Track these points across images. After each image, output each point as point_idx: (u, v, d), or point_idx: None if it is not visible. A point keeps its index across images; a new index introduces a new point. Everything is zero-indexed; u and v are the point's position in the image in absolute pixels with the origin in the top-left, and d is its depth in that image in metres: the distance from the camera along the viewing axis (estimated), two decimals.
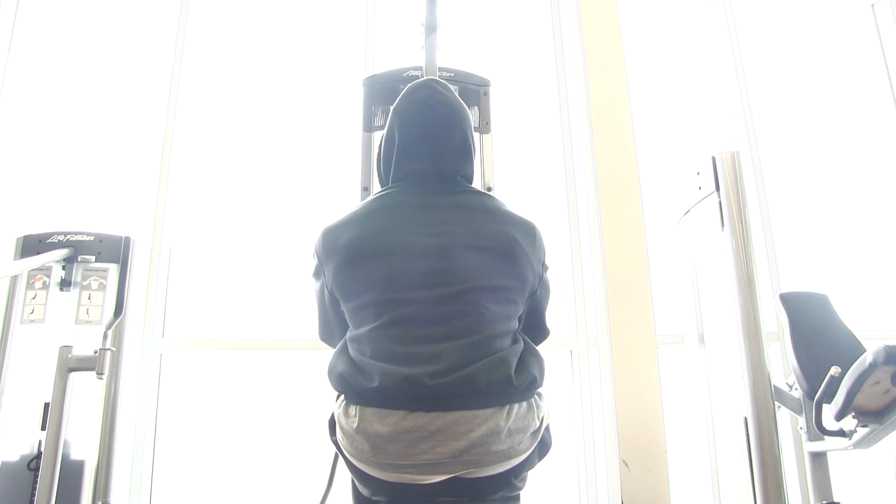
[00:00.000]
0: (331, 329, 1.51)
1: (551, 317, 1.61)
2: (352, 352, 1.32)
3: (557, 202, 3.10)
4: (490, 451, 1.19)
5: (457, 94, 1.94)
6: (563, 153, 3.15)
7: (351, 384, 1.26)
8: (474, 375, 1.21)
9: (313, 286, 1.50)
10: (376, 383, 1.22)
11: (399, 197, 1.45)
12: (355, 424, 1.23)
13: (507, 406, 1.23)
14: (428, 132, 1.47)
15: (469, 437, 1.18)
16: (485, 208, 1.44)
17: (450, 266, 1.30)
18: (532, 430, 1.29)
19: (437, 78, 1.59)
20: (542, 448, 1.38)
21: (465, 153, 1.50)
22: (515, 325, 1.37)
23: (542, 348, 1.51)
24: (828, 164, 3.42)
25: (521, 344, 1.35)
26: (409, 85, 1.56)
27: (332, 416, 1.36)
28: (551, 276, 1.56)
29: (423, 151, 1.47)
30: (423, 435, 1.18)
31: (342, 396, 1.32)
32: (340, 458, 1.38)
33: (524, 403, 1.26)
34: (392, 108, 1.53)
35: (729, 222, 2.25)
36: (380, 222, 1.39)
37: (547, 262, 1.51)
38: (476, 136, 2.27)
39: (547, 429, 1.38)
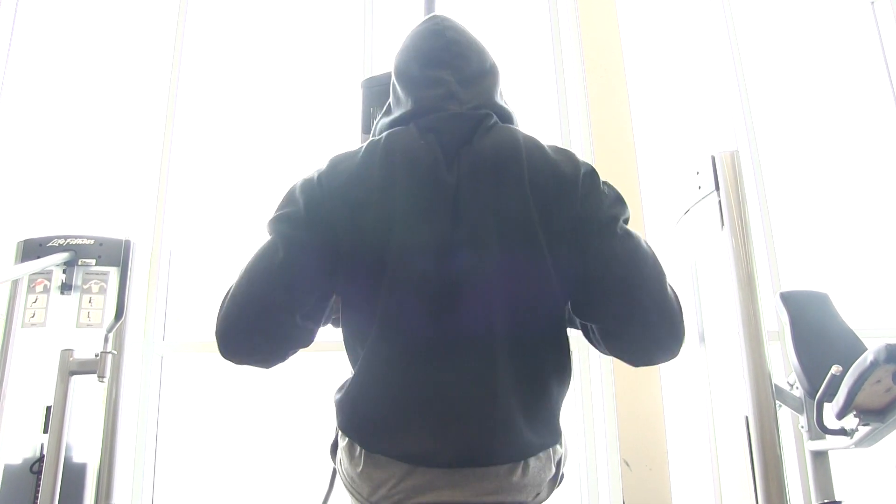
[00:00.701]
0: (275, 305, 1.07)
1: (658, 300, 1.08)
2: (355, 393, 1.10)
3: None
4: None
5: None
6: None
7: (357, 435, 1.10)
8: (488, 440, 1.03)
9: (275, 227, 1.14)
10: (383, 444, 1.06)
11: (406, 154, 1.11)
12: (359, 469, 1.09)
13: (523, 462, 1.05)
14: (438, 56, 1.16)
15: (478, 491, 1.04)
16: (509, 163, 1.09)
17: (460, 281, 1.05)
18: (549, 479, 1.11)
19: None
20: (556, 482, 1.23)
21: (487, 73, 1.19)
22: (558, 338, 1.11)
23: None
24: (828, 163, 3.41)
25: (561, 370, 1.11)
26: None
27: (335, 442, 1.21)
28: (631, 223, 1.15)
29: (431, 77, 1.15)
30: (428, 487, 1.04)
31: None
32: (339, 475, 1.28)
33: (541, 454, 1.08)
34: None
35: (729, 221, 2.24)
36: (384, 200, 1.07)
37: (619, 211, 1.12)
38: None
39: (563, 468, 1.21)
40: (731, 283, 2.19)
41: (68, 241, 2.45)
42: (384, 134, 1.15)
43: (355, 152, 1.15)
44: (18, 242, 2.45)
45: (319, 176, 1.13)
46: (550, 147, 1.16)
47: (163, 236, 2.90)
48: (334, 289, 1.12)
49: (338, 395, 1.15)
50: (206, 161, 3.17)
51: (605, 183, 1.14)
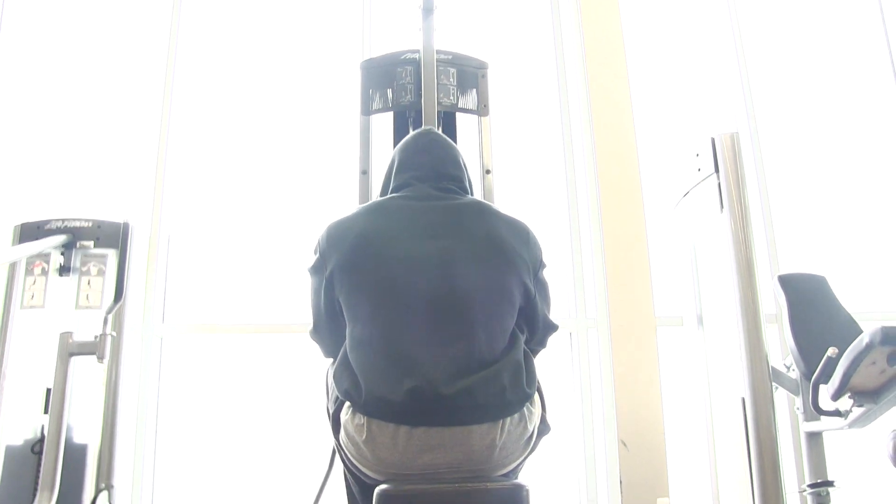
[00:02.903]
0: (322, 328, 1.54)
1: (554, 310, 1.64)
2: (355, 365, 1.36)
3: (556, 184, 3.10)
4: (485, 462, 1.30)
5: (455, 77, 2.06)
6: (561, 134, 3.14)
7: (357, 399, 1.33)
8: (472, 388, 1.29)
9: (310, 282, 1.53)
10: (381, 405, 1.30)
11: (400, 201, 1.51)
12: (363, 436, 1.30)
13: (500, 421, 1.31)
14: (425, 148, 1.63)
15: (467, 450, 1.28)
16: (479, 212, 1.51)
17: (448, 282, 1.37)
18: (525, 439, 1.37)
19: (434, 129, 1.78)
20: (540, 434, 1.45)
21: (459, 168, 1.62)
22: (512, 333, 1.42)
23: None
24: (828, 146, 3.41)
25: (518, 354, 1.40)
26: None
27: (338, 416, 1.40)
28: (549, 273, 1.59)
29: (419, 161, 1.59)
30: (425, 448, 1.27)
31: (348, 403, 1.38)
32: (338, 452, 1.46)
33: (516, 416, 1.33)
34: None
35: (728, 204, 2.24)
36: (381, 226, 1.45)
37: (544, 259, 1.55)
38: (475, 118, 2.27)
39: (542, 420, 1.47)
40: (730, 265, 2.20)
41: (66, 223, 2.44)
42: (379, 200, 1.56)
43: (352, 213, 1.54)
44: (16, 226, 2.44)
45: (325, 232, 1.50)
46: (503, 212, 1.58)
47: (161, 218, 2.89)
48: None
49: (334, 369, 1.41)
50: (205, 143, 3.15)
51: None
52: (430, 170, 1.57)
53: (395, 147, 1.71)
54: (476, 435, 1.28)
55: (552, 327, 1.62)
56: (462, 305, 1.35)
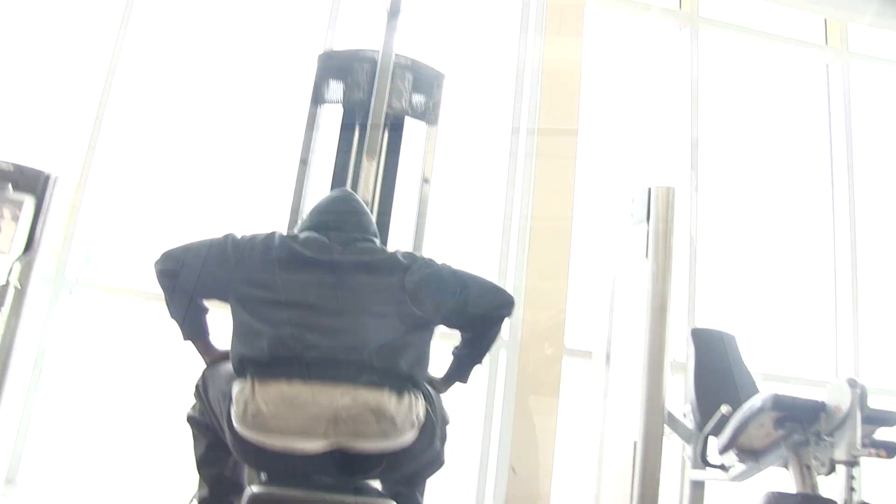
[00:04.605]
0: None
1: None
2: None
3: (491, 201, 3.14)
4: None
5: (411, 82, 2.18)
6: (508, 156, 3.17)
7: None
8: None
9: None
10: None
11: (306, 253, 1.60)
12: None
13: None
14: (338, 197, 1.81)
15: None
16: (366, 267, 1.61)
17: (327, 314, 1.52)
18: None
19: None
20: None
21: (368, 217, 1.77)
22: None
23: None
24: (765, 217, 3.55)
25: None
26: None
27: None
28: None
29: (329, 207, 1.75)
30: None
31: None
32: None
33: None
34: None
35: (653, 252, 2.30)
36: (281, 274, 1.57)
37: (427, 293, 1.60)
38: (422, 126, 2.28)
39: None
40: (645, 311, 2.25)
41: None
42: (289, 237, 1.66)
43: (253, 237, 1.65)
44: None
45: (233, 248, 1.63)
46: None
47: (89, 175, 2.79)
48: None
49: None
50: (146, 110, 3.06)
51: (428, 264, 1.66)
52: (339, 212, 1.72)
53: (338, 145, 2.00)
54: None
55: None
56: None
